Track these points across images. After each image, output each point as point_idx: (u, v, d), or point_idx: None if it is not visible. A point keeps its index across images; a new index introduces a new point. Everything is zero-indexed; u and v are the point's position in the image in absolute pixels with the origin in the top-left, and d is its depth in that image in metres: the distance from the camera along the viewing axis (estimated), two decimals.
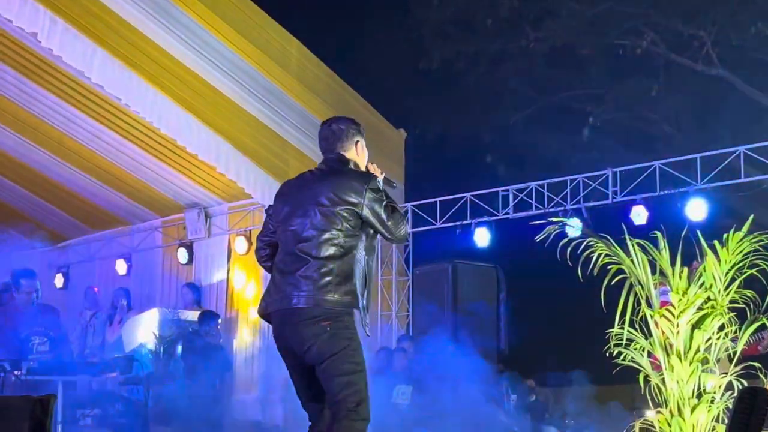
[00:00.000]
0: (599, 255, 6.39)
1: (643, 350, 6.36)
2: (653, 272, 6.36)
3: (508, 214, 13.07)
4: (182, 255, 14.23)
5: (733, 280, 6.29)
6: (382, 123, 14.31)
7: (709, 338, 6.26)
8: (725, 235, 6.30)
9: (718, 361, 6.34)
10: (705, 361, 6.22)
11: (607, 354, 6.44)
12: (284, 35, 12.43)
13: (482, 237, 13.02)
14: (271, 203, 5.85)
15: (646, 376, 6.36)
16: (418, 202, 13.92)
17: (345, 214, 5.42)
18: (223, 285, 13.93)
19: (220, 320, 12.22)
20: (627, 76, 20.37)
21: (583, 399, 12.05)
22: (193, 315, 12.37)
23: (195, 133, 11.59)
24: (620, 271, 6.39)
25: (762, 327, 6.37)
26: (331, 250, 5.38)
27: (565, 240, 6.54)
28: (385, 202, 5.50)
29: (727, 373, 6.26)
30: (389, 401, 11.22)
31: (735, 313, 6.33)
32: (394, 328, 13.78)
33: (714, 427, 6.19)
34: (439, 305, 13.27)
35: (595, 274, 6.40)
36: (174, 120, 11.36)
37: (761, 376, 6.30)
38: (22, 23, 9.83)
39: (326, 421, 5.41)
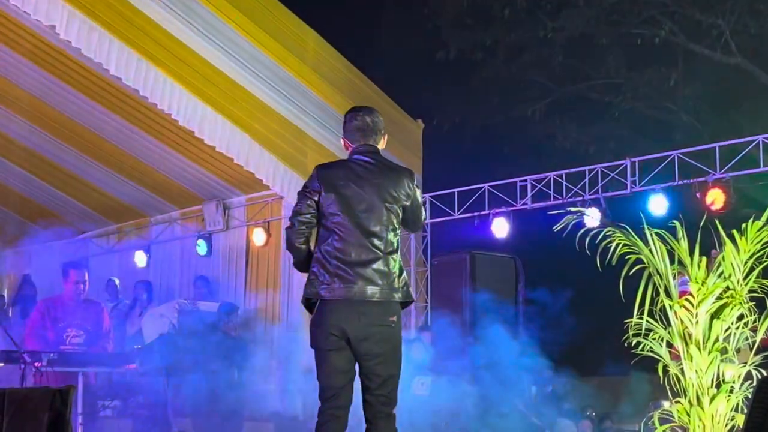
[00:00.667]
0: (618, 245, 6.38)
1: (662, 340, 6.35)
2: (672, 262, 6.34)
3: (526, 204, 13.04)
4: (201, 247, 14.26)
5: (752, 269, 6.28)
6: (400, 114, 14.29)
7: (728, 328, 6.25)
8: (744, 225, 6.28)
9: (737, 350, 6.33)
10: (724, 351, 6.20)
11: (626, 344, 6.44)
12: (301, 26, 12.42)
13: (500, 227, 12.99)
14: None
15: (665, 366, 6.35)
16: (436, 193, 13.90)
17: (399, 210, 5.79)
18: (241, 276, 13.95)
19: (239, 312, 12.25)
20: (645, 65, 20.30)
21: (602, 389, 12.03)
22: (212, 307, 12.40)
23: (212, 125, 11.59)
24: (639, 261, 6.38)
25: None
26: (395, 245, 5.75)
27: (584, 230, 6.54)
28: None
29: (746, 363, 6.25)
30: (409, 392, 11.24)
31: (754, 303, 6.31)
32: (413, 318, 13.79)
33: (733, 417, 6.18)
34: (457, 296, 13.26)
35: (613, 264, 6.39)
36: (191, 111, 11.37)
37: None
38: (40, 16, 9.85)
39: (347, 403, 5.70)
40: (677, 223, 6.39)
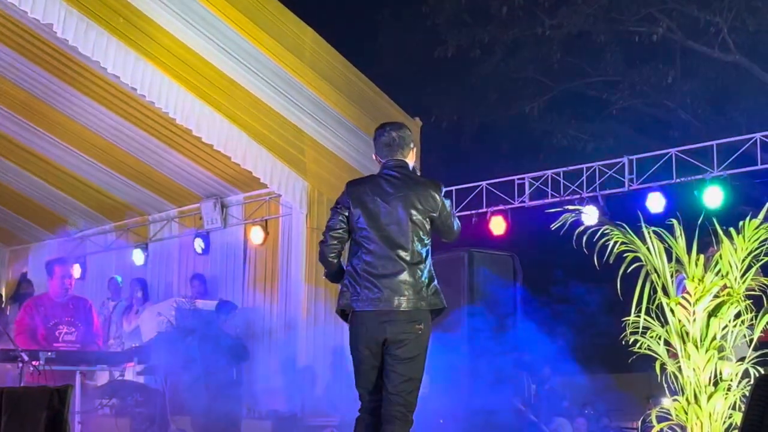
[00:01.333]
0: (615, 243, 6.39)
1: (660, 338, 6.35)
2: (669, 260, 6.35)
3: (524, 202, 13.05)
4: (199, 245, 14.25)
5: (749, 267, 6.28)
6: (397, 112, 14.27)
7: (726, 326, 6.25)
8: (741, 223, 6.28)
9: (736, 347, 6.33)
10: (721, 349, 6.21)
11: (624, 342, 6.44)
12: (298, 24, 12.41)
13: (498, 225, 13.00)
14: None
15: (663, 364, 6.35)
16: None
17: (426, 220, 6.08)
18: (239, 275, 13.94)
19: (236, 310, 12.24)
20: (643, 63, 20.32)
21: (600, 387, 12.05)
22: (210, 305, 12.40)
23: (210, 123, 11.59)
24: (636, 259, 6.38)
25: None
26: (422, 255, 6.06)
27: (581, 228, 6.54)
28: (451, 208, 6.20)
29: (744, 360, 6.26)
30: None
31: (751, 301, 6.32)
32: None
33: (731, 414, 6.18)
34: (455, 293, 13.25)
35: (611, 262, 6.40)
36: (189, 110, 11.36)
37: None
38: (37, 15, 9.84)
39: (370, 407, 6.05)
40: (675, 221, 6.39)
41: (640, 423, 6.87)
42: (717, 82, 19.48)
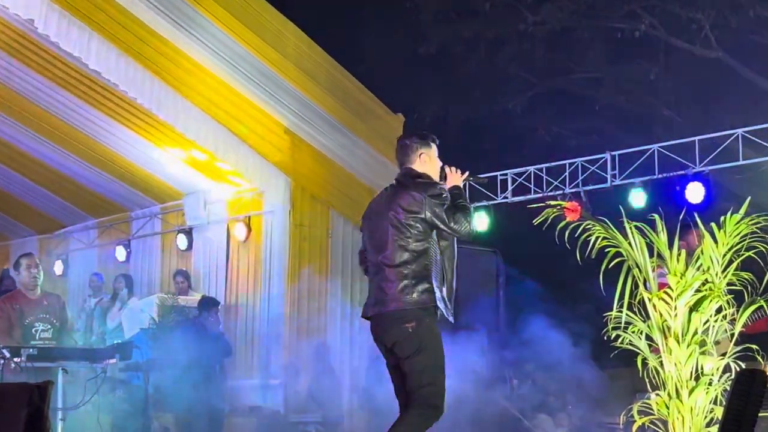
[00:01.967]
0: (597, 238, 6.39)
1: (641, 333, 6.37)
2: (651, 255, 6.36)
3: (506, 198, 13.07)
4: (181, 241, 14.23)
5: (730, 262, 6.29)
6: (380, 108, 14.28)
7: (707, 320, 6.27)
8: (723, 218, 6.30)
9: (717, 342, 6.35)
10: (703, 344, 6.22)
11: (606, 337, 6.45)
12: (280, 19, 12.39)
13: (481, 221, 13.01)
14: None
15: (644, 359, 6.37)
16: None
17: (412, 222, 6.11)
18: (222, 271, 13.92)
19: (219, 306, 12.22)
20: (626, 59, 20.33)
21: (582, 383, 12.05)
22: (192, 301, 12.38)
23: (193, 119, 11.58)
24: (618, 254, 6.39)
25: (760, 308, 6.36)
26: (405, 256, 6.10)
27: (563, 223, 6.55)
28: (446, 207, 6.12)
29: (725, 355, 6.27)
30: (387, 387, 11.24)
31: (732, 296, 6.33)
32: None
33: (712, 409, 6.20)
34: None
35: (593, 257, 6.41)
36: (172, 106, 11.36)
37: (759, 358, 6.32)
38: (18, 10, 9.81)
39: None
40: (656, 216, 6.40)
41: (621, 418, 6.85)
42: (699, 79, 19.48)
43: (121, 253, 15.15)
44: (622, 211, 6.61)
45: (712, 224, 6.30)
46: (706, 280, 6.21)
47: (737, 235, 6.23)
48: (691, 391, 6.17)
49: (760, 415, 4.80)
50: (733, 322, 6.32)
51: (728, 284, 6.29)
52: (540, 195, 12.40)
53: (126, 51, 10.69)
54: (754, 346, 6.34)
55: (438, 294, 6.13)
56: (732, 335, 6.31)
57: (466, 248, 13.63)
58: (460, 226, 6.14)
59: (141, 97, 11.10)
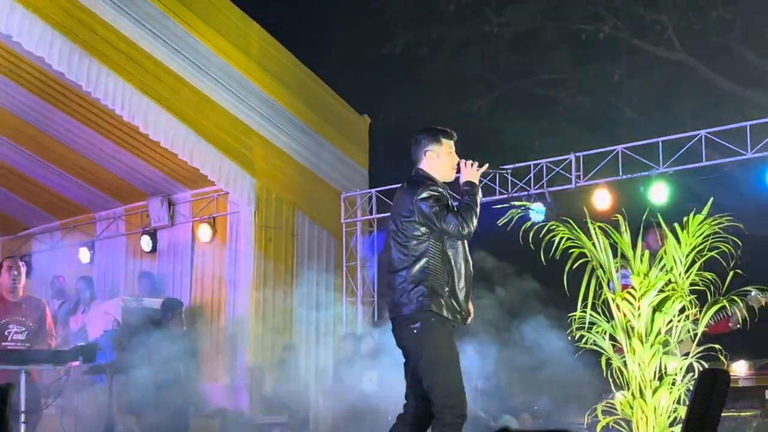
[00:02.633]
0: (561, 239, 6.41)
1: (605, 333, 6.39)
2: (615, 255, 6.39)
3: None
4: (146, 243, 14.15)
5: (693, 262, 6.33)
6: (346, 109, 14.28)
7: (671, 321, 6.30)
8: (686, 218, 6.34)
9: (680, 342, 6.39)
10: (666, 344, 6.26)
11: (570, 337, 6.48)
12: (246, 20, 12.37)
13: None
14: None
15: (608, 359, 6.40)
16: (382, 188, 13.88)
17: (407, 226, 6.09)
18: (187, 272, 13.87)
19: (183, 308, 12.16)
20: (590, 61, 20.40)
21: (546, 382, 12.08)
22: (157, 303, 12.32)
23: (157, 120, 11.53)
24: (582, 255, 6.42)
25: (722, 309, 6.41)
26: (404, 261, 6.10)
27: (528, 224, 6.57)
28: (435, 208, 6.04)
29: (688, 355, 6.31)
30: (359, 387, 11.25)
31: (695, 296, 6.37)
32: (360, 314, 13.78)
33: (675, 408, 6.23)
34: None
35: (557, 258, 6.42)
36: (136, 107, 11.30)
37: (721, 358, 6.36)
38: None
39: (411, 413, 6.21)
40: (620, 217, 6.43)
41: (586, 417, 6.87)
42: (663, 80, 19.60)
43: (84, 254, 15.05)
44: (586, 211, 6.65)
45: (675, 225, 6.34)
46: (670, 280, 6.25)
47: (700, 235, 6.27)
48: (654, 391, 6.21)
49: (722, 414, 4.83)
50: (696, 322, 6.37)
51: (691, 284, 6.33)
52: (505, 196, 12.42)
53: (89, 51, 10.63)
54: (717, 346, 6.39)
55: (442, 298, 6.06)
56: (695, 335, 6.35)
57: None
58: (448, 226, 6.03)
59: (105, 98, 11.04)
